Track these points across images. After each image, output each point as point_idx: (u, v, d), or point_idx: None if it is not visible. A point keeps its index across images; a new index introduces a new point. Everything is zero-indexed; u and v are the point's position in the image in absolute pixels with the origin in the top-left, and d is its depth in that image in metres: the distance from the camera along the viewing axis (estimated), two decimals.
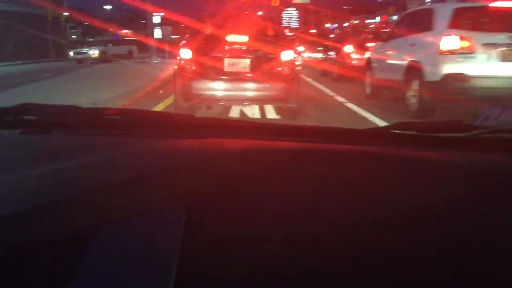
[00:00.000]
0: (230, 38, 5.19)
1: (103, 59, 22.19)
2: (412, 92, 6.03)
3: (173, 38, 21.03)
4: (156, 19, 20.18)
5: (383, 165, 0.67)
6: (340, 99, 8.09)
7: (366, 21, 47.81)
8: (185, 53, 5.19)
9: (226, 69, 5.17)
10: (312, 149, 0.75)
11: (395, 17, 40.13)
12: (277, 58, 5.24)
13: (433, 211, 0.55)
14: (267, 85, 5.16)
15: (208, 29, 5.33)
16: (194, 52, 5.17)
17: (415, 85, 5.97)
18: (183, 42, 5.48)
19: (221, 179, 0.60)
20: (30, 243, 0.47)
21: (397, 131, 0.86)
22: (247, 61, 5.18)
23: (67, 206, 0.51)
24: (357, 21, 48.71)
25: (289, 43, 5.62)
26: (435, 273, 0.47)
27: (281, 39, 5.50)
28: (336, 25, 49.58)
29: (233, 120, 1.11)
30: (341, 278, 0.47)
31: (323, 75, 12.78)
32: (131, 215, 0.51)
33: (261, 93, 5.17)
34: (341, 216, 0.55)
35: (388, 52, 7.20)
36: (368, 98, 8.00)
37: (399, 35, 6.97)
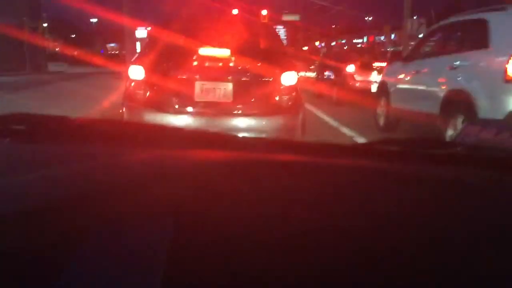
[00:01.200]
0: (204, 51, 3.49)
1: None
2: (455, 132, 4.42)
3: None
4: (141, 33, 18.85)
5: (365, 179, 0.69)
6: (346, 131, 6.51)
7: (354, 41, 47.30)
8: (136, 73, 3.48)
9: (198, 97, 3.45)
10: (294, 162, 0.76)
11: (382, 37, 39.67)
12: (273, 82, 3.55)
13: (412, 223, 0.55)
14: (260, 122, 3.46)
15: (172, 38, 3.62)
16: (149, 71, 3.45)
17: (459, 122, 4.37)
18: (135, 56, 3.78)
19: (208, 190, 0.60)
20: (13, 248, 0.46)
21: (380, 147, 0.88)
22: (228, 86, 3.48)
23: (53, 213, 0.51)
24: (344, 41, 48.23)
25: (290, 61, 3.94)
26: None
27: (278, 55, 3.83)
28: (323, 43, 48.91)
29: (221, 134, 1.00)
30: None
31: (319, 98, 11.22)
32: (119, 221, 0.50)
33: (250, 134, 3.46)
34: (325, 229, 0.53)
35: (414, 76, 5.59)
36: (381, 131, 6.42)
37: (430, 54, 5.40)
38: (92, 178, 0.63)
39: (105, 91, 8.89)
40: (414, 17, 17.85)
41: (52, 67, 22.22)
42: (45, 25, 32.96)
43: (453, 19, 5.25)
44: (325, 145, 0.86)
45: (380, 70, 9.19)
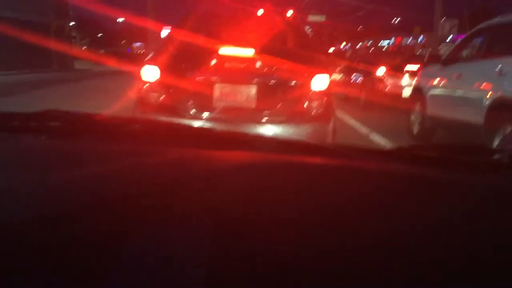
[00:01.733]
0: (225, 51, 3.15)
1: None
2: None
3: None
4: (166, 33, 18.78)
5: (401, 185, 0.68)
6: (378, 139, 6.06)
7: (380, 43, 46.53)
8: (149, 73, 3.15)
9: (217, 102, 3.11)
10: (328, 165, 0.76)
11: (409, 39, 38.79)
12: (302, 85, 3.18)
13: (448, 232, 0.54)
14: (287, 130, 3.09)
15: (190, 37, 3.28)
16: (164, 72, 3.12)
17: (507, 131, 3.91)
18: (149, 56, 3.45)
19: (243, 192, 0.61)
20: (49, 248, 0.45)
21: (417, 152, 0.87)
22: (252, 89, 3.13)
23: (90, 213, 0.51)
24: (370, 42, 47.52)
25: (321, 63, 3.55)
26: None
27: (307, 56, 3.45)
28: (349, 45, 48.23)
29: (253, 135, 1.02)
30: None
31: (345, 101, 10.78)
32: (156, 225, 0.50)
33: None
34: (354, 233, 0.51)
35: (455, 80, 5.12)
36: (415, 139, 5.97)
37: (474, 57, 4.93)
38: (127, 179, 0.63)
39: (129, 89, 8.76)
40: (444, 18, 17.21)
41: (78, 65, 22.53)
42: (72, 23, 33.36)
43: (500, 19, 4.78)
44: (355, 148, 0.86)
45: (412, 74, 8.74)
